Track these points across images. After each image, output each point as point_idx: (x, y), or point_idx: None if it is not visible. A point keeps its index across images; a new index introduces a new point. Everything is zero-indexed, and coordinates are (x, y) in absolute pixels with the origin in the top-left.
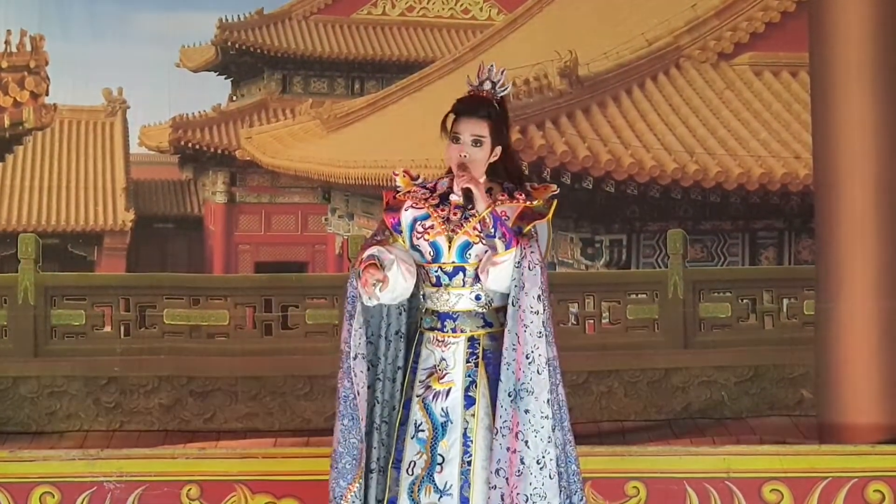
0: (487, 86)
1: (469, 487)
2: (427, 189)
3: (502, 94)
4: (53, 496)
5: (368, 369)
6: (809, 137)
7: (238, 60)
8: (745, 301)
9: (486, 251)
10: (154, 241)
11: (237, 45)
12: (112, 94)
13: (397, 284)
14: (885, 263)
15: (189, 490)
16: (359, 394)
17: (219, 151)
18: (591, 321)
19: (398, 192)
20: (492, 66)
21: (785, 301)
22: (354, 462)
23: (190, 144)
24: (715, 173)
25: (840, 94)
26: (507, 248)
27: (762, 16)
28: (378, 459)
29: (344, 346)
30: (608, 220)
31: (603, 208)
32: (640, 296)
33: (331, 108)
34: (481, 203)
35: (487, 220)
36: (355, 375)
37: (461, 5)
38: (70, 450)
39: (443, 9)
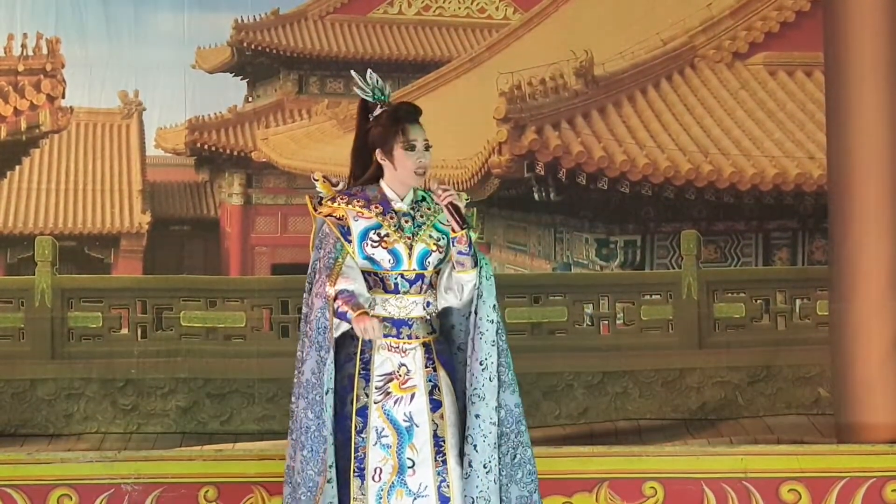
0: (378, 94)
1: (448, 487)
2: (360, 197)
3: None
4: (71, 498)
5: None
6: (824, 137)
7: (254, 61)
8: (758, 301)
9: (440, 259)
10: (170, 244)
11: (253, 46)
12: (128, 97)
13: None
14: None
15: (206, 492)
16: (326, 428)
17: (235, 153)
18: (606, 322)
19: (322, 198)
20: (369, 72)
21: (798, 301)
22: (310, 495)
23: (206, 146)
24: (729, 174)
25: (855, 93)
26: (475, 265)
27: (777, 15)
28: None
29: (311, 378)
30: (623, 221)
31: (618, 209)
32: (654, 296)
33: (347, 109)
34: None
35: (463, 240)
36: (325, 410)
37: (477, 4)
38: (87, 452)
39: (459, 8)
